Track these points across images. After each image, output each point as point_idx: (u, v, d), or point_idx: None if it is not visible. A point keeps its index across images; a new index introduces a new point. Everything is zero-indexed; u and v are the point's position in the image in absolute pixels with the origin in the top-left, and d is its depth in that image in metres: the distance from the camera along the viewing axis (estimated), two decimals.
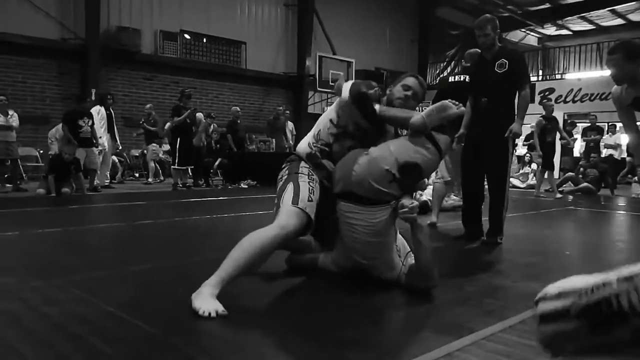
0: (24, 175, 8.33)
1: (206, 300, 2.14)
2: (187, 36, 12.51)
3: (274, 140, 11.91)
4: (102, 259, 3.35)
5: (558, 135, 9.16)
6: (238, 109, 11.12)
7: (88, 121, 8.28)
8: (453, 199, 6.03)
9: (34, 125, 10.24)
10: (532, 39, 22.21)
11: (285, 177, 2.68)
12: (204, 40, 12.84)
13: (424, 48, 18.19)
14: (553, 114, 8.90)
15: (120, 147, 10.24)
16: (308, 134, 2.88)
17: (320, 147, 2.75)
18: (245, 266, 2.28)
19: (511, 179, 11.03)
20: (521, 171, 11.33)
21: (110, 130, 9.21)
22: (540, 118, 8.79)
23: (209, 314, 2.09)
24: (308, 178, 2.63)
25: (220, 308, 2.11)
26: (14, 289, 2.53)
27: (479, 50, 4.66)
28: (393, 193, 2.54)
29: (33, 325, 2.06)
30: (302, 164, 2.74)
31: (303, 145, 2.84)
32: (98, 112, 9.05)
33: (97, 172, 8.47)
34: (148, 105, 10.51)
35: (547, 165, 8.96)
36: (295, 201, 2.46)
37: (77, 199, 7.18)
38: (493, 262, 3.55)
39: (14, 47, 10.09)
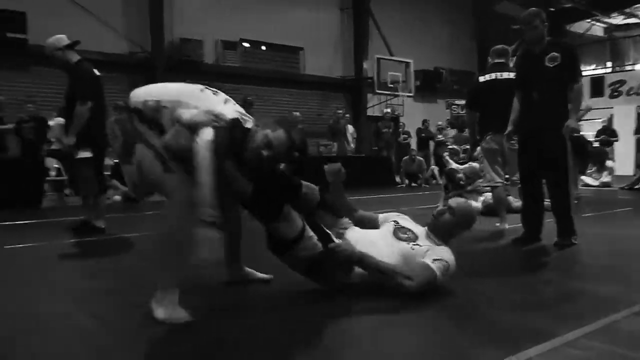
0: None
1: (173, 310, 2.17)
2: (246, 44, 12.79)
3: (335, 144, 11.98)
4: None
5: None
6: (299, 114, 11.23)
7: None
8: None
9: None
10: (598, 30, 21.19)
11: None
12: (263, 47, 13.10)
13: (483, 45, 17.76)
14: None
15: None
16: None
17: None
18: (185, 262, 2.25)
19: (583, 177, 10.60)
20: (594, 168, 10.78)
21: None
22: None
23: (176, 322, 2.13)
24: (143, 143, 2.28)
25: (186, 315, 2.16)
26: None
27: (507, 48, 4.62)
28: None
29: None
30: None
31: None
32: None
33: None
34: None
35: None
36: (167, 169, 2.22)
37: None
38: (568, 264, 3.41)
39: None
